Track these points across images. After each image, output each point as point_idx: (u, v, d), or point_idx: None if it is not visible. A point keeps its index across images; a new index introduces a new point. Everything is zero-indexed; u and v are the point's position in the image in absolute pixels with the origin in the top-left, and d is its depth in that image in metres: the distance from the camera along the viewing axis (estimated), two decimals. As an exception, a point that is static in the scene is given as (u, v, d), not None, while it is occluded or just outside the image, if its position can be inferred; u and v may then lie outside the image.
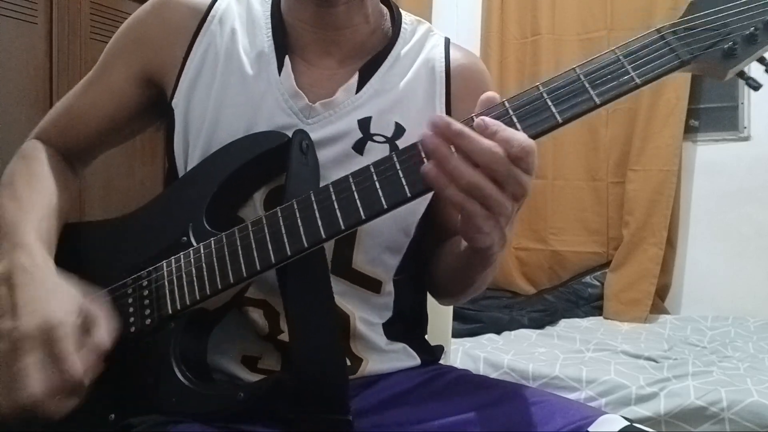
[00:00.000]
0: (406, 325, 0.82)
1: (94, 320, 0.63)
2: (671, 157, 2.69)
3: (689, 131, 2.76)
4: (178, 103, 0.77)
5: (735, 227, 2.69)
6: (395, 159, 0.60)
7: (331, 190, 0.62)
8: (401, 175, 0.59)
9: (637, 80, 0.58)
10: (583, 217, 2.90)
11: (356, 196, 0.61)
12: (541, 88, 0.59)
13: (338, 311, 0.74)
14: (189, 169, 0.76)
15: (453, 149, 0.56)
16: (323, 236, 0.61)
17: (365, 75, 0.77)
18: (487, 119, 0.57)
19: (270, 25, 0.78)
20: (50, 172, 0.78)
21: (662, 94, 2.69)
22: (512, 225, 0.62)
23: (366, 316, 0.77)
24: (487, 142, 0.55)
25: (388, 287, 0.79)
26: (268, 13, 0.80)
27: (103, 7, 2.19)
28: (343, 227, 0.61)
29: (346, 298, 0.75)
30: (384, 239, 0.76)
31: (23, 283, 0.62)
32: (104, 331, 0.63)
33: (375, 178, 0.60)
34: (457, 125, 0.56)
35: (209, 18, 0.79)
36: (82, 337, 0.61)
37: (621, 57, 0.58)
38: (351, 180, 0.61)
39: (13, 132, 1.87)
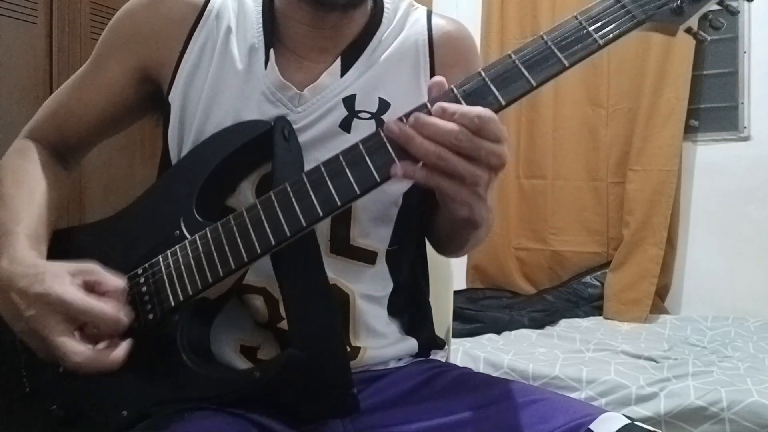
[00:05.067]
0: (407, 298, 0.83)
1: (92, 273, 0.65)
2: (671, 157, 2.69)
3: (689, 131, 2.76)
4: (174, 97, 0.77)
5: (735, 227, 2.69)
6: (382, 134, 0.61)
7: (323, 169, 0.63)
8: (390, 148, 0.61)
9: (600, 41, 0.62)
10: (583, 217, 2.90)
11: (348, 173, 0.62)
12: (513, 56, 0.62)
13: (338, 291, 0.75)
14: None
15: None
16: (320, 214, 0.62)
17: (350, 58, 0.78)
18: (444, 104, 0.59)
19: (261, 20, 0.79)
20: (40, 169, 0.79)
21: (662, 94, 2.69)
22: (492, 190, 0.65)
23: (367, 291, 0.78)
24: (444, 123, 0.58)
25: (383, 258, 0.80)
26: (260, 8, 0.80)
27: (103, 7, 2.19)
28: (339, 203, 0.62)
29: (345, 275, 0.76)
30: (376, 211, 0.77)
31: (16, 287, 0.64)
32: (110, 276, 0.66)
33: (365, 154, 0.62)
34: (414, 116, 0.59)
35: (206, 13, 0.79)
36: (90, 293, 0.64)
37: (583, 21, 0.63)
38: (341, 158, 0.63)
39: (14, 132, 1.86)
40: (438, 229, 0.84)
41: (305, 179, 0.63)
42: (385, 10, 0.82)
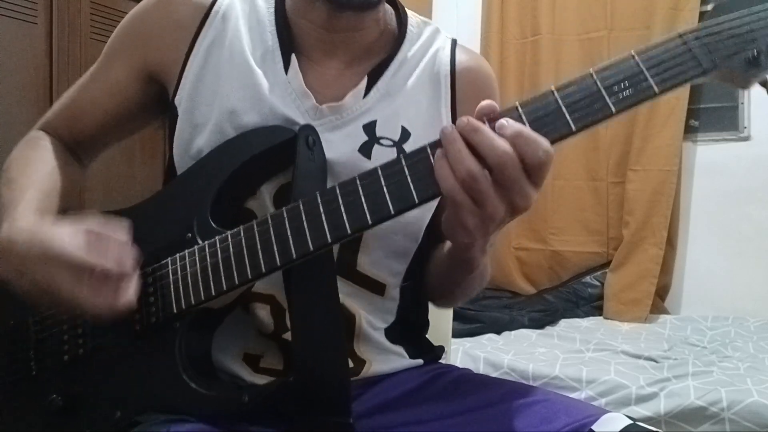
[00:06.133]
0: (408, 330, 0.82)
1: (93, 224, 0.65)
2: (671, 157, 2.69)
3: (689, 131, 2.76)
4: (181, 100, 0.76)
5: (735, 227, 2.69)
6: (404, 162, 0.59)
7: (338, 192, 0.61)
8: (409, 180, 0.58)
9: (656, 89, 0.55)
10: (583, 217, 2.90)
11: (363, 200, 0.59)
12: (555, 93, 0.56)
13: (344, 311, 0.74)
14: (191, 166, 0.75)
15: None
16: (329, 240, 0.60)
17: (373, 78, 0.77)
18: (511, 121, 0.55)
19: (274, 23, 0.77)
20: (50, 156, 0.79)
21: (662, 94, 2.69)
22: (495, 236, 0.61)
23: (370, 318, 0.77)
24: (500, 141, 0.54)
25: (394, 292, 0.78)
26: (272, 10, 0.79)
27: (103, 7, 2.19)
28: (349, 231, 0.60)
29: (352, 298, 0.75)
30: (390, 243, 0.75)
31: (15, 252, 0.64)
32: (110, 226, 0.65)
33: (383, 182, 0.59)
34: (476, 122, 0.55)
35: (212, 14, 0.77)
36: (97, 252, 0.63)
37: (640, 63, 0.55)
38: (358, 182, 0.60)
39: (13, 132, 1.87)
40: (431, 268, 0.81)
41: (319, 200, 0.61)
42: (408, 30, 0.81)
